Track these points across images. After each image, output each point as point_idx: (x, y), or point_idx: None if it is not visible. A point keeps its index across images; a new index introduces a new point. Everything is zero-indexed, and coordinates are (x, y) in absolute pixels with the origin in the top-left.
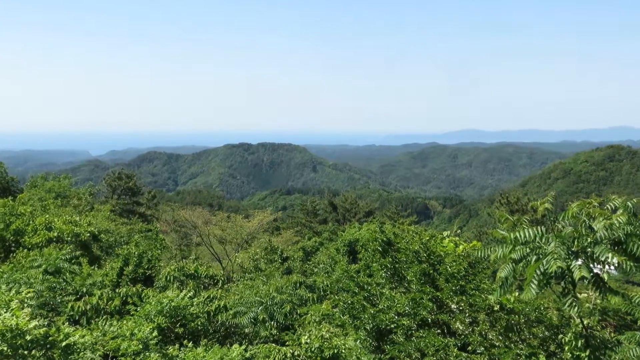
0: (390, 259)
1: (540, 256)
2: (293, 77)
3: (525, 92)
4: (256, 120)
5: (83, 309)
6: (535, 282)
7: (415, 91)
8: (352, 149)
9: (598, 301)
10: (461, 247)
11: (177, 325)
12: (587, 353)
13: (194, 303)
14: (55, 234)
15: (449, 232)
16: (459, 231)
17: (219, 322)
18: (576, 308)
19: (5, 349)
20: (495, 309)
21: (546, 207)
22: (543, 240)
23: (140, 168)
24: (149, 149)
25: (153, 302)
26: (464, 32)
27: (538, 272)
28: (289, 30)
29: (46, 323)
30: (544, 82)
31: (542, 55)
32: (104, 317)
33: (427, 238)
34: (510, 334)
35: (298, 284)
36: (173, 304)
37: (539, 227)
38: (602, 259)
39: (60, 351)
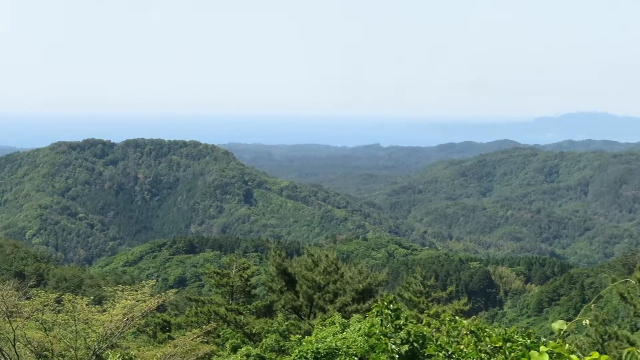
0: None
1: None
2: None
3: None
4: (120, 93)
5: None
6: None
7: (461, 31)
8: (331, 155)
9: None
10: None
11: None
12: None
13: None
14: None
15: (561, 323)
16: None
17: None
18: None
19: None
20: None
21: None
22: None
23: None
24: None
25: None
26: None
27: None
28: None
29: None
30: None
31: None
32: None
33: (499, 345)
34: None
35: None
36: None
37: None
38: None
39: None
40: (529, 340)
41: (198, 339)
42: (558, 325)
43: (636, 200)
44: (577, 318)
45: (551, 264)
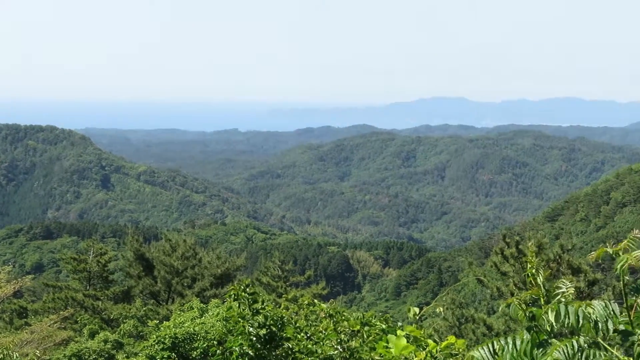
0: None
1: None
2: None
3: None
4: None
5: None
6: None
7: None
8: (190, 140)
9: None
10: (425, 350)
11: None
12: None
13: None
14: None
15: (415, 310)
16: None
17: None
18: None
19: None
20: None
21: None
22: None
23: None
24: None
25: None
26: None
27: None
28: None
29: None
30: None
31: None
32: None
33: (357, 328)
34: None
35: None
36: None
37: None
38: None
39: None
40: (385, 325)
41: (55, 325)
42: (413, 311)
43: (492, 185)
44: (434, 303)
45: (409, 248)
